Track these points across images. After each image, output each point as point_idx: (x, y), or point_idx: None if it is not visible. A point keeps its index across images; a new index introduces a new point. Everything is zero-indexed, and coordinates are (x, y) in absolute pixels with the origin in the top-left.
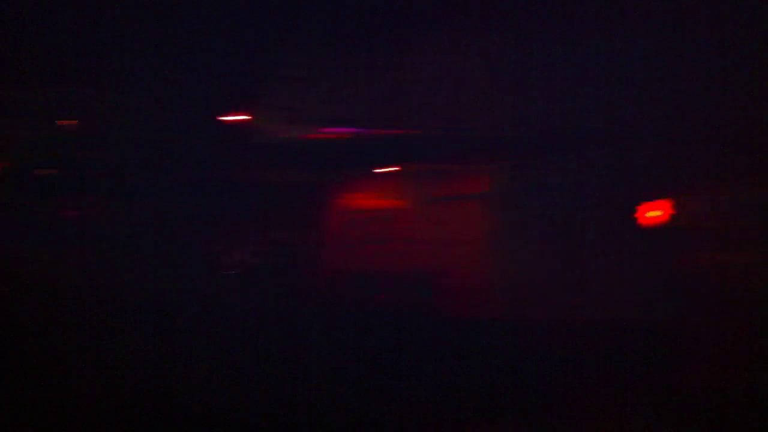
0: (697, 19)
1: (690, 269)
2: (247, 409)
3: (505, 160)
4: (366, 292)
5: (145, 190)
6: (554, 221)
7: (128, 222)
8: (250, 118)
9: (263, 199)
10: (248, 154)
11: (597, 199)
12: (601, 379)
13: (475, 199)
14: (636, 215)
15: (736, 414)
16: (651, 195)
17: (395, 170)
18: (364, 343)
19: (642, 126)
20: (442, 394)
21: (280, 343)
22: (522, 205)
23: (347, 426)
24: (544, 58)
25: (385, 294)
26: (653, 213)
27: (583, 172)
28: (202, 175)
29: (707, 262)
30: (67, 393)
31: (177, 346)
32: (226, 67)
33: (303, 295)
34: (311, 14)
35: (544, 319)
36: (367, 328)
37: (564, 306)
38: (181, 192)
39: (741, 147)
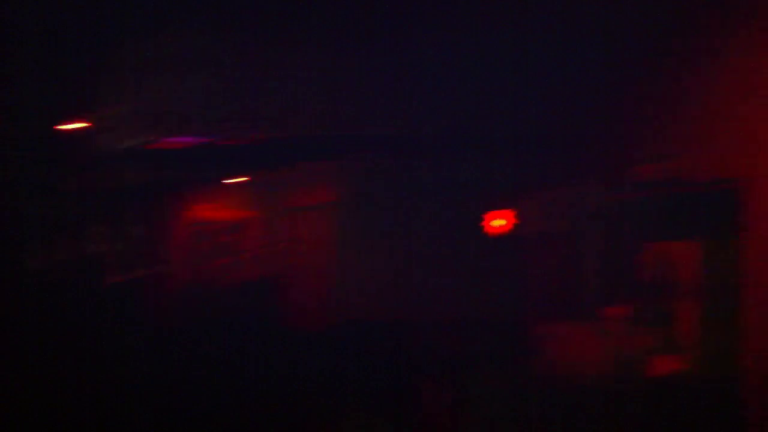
0: (539, 28)
1: (533, 273)
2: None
3: (354, 167)
4: (212, 304)
5: None
6: (402, 228)
7: None
8: (88, 126)
9: (105, 209)
10: (87, 165)
11: (444, 206)
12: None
13: (324, 209)
14: (482, 223)
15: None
16: (496, 204)
17: (244, 180)
18: (203, 354)
19: (489, 134)
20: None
21: (117, 353)
22: (372, 213)
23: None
24: (395, 64)
25: (234, 305)
26: (498, 222)
27: (430, 180)
28: (38, 184)
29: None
30: None
31: None
32: (63, 73)
33: (145, 306)
34: (151, 17)
35: (388, 322)
36: (213, 338)
37: (409, 310)
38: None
39: (582, 155)
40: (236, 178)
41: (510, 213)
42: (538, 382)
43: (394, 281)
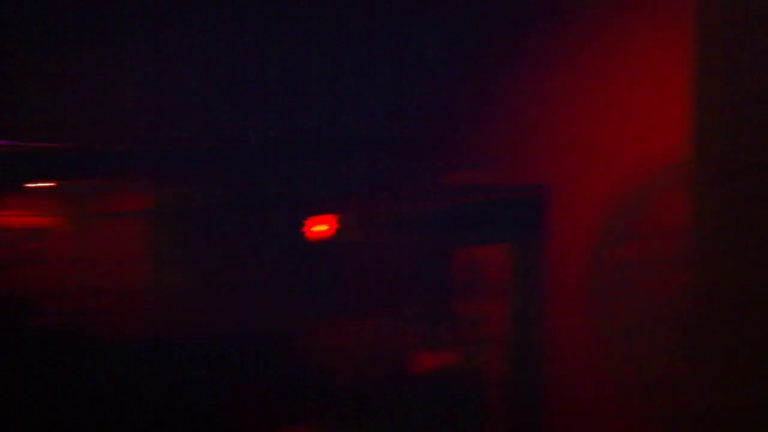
0: (345, 29)
1: (355, 280)
2: None
3: (169, 175)
4: (15, 315)
5: None
6: (221, 237)
7: None
8: None
9: None
10: None
11: (263, 214)
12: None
13: (138, 216)
14: (302, 229)
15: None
16: (317, 209)
17: (50, 186)
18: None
19: (310, 140)
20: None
21: None
22: (188, 221)
23: None
24: (209, 71)
25: (38, 316)
26: (319, 227)
27: (249, 186)
28: None
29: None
30: None
31: None
32: None
33: None
34: None
35: (206, 334)
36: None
37: (229, 320)
38: None
39: (396, 161)
40: (41, 183)
41: (330, 219)
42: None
43: (211, 291)
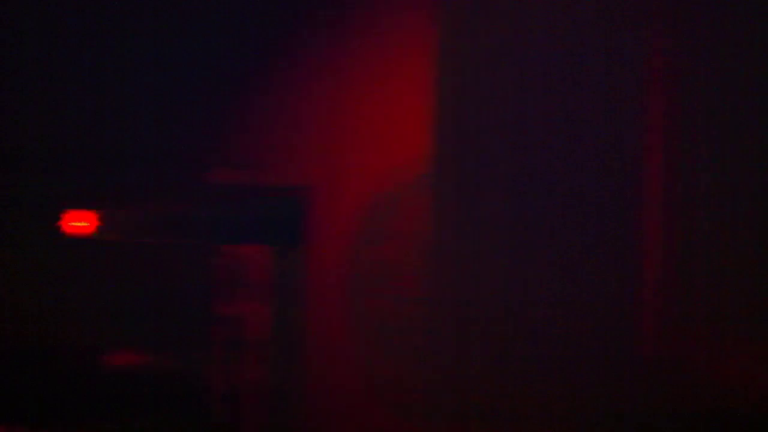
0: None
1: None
2: None
3: None
4: None
5: None
6: None
7: None
8: None
9: None
10: None
11: (20, 208)
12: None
13: None
14: (59, 224)
15: None
16: (76, 204)
17: None
18: None
19: (67, 137)
20: None
21: None
22: None
23: None
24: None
25: None
26: (78, 223)
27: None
28: None
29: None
30: None
31: None
32: None
33: None
34: None
35: None
36: None
37: None
38: None
39: (158, 159)
40: None
41: (90, 216)
42: None
43: None
